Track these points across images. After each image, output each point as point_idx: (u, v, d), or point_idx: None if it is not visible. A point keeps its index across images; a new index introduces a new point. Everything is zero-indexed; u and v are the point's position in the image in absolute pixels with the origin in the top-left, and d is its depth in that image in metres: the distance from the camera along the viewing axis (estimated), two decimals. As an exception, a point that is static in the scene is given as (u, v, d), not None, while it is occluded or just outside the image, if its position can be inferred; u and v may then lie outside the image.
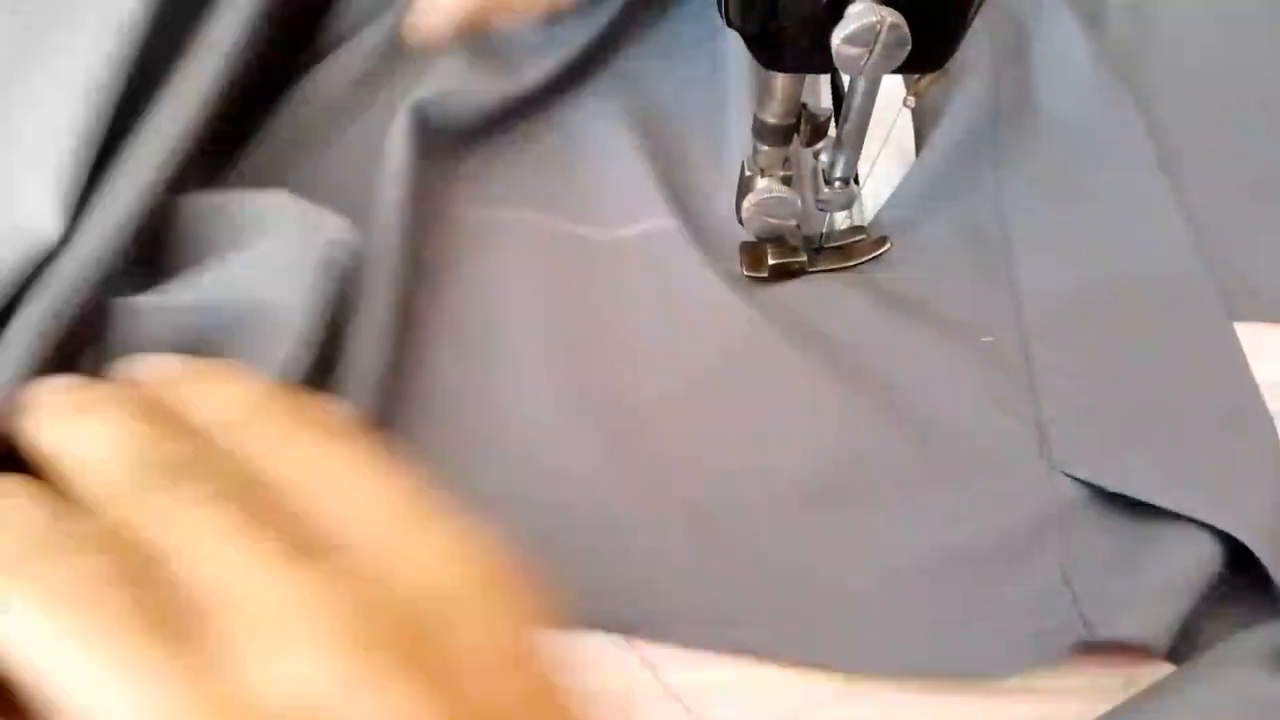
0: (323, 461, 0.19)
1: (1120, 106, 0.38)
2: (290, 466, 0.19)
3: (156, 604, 0.16)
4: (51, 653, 0.15)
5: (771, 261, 0.34)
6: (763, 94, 0.29)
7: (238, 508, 0.17)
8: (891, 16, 0.24)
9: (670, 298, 0.33)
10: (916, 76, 0.29)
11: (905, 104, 0.29)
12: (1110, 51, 0.40)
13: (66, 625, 0.15)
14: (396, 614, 0.17)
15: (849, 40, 0.24)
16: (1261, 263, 0.35)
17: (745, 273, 0.34)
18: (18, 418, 0.20)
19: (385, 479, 0.19)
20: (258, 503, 0.18)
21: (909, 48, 0.25)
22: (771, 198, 0.31)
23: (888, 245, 0.35)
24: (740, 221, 0.32)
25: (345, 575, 0.17)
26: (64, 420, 0.20)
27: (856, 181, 0.32)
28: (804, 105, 0.30)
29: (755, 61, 0.27)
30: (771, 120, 0.30)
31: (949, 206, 0.36)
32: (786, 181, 0.31)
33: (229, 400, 0.20)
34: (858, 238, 0.35)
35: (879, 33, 0.24)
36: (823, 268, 0.34)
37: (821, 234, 0.34)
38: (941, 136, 0.37)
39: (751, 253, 0.34)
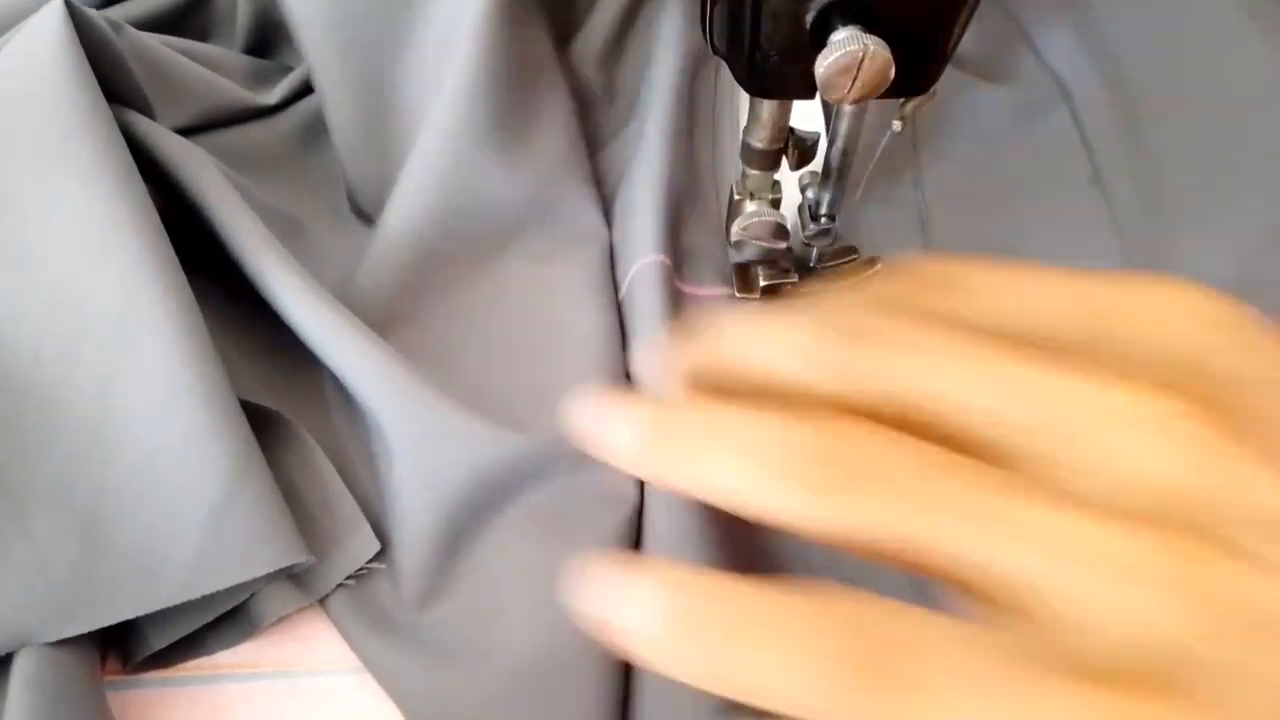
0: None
1: (1055, 119, 0.38)
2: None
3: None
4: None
5: (763, 283, 0.34)
6: (750, 120, 0.29)
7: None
8: (874, 44, 0.24)
9: None
10: (902, 100, 0.29)
11: (891, 128, 0.29)
12: (1044, 65, 0.39)
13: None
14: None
15: (833, 67, 0.24)
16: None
17: (738, 294, 0.34)
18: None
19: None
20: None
21: (893, 74, 0.25)
22: (759, 221, 0.31)
23: (879, 265, 0.35)
24: (730, 244, 0.32)
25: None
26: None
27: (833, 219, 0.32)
28: (792, 130, 0.30)
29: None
30: (759, 145, 0.30)
31: (875, 231, 0.36)
32: (775, 204, 0.31)
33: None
34: (849, 258, 0.35)
35: (862, 60, 0.24)
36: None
37: (813, 253, 0.34)
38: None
39: (744, 274, 0.35)
